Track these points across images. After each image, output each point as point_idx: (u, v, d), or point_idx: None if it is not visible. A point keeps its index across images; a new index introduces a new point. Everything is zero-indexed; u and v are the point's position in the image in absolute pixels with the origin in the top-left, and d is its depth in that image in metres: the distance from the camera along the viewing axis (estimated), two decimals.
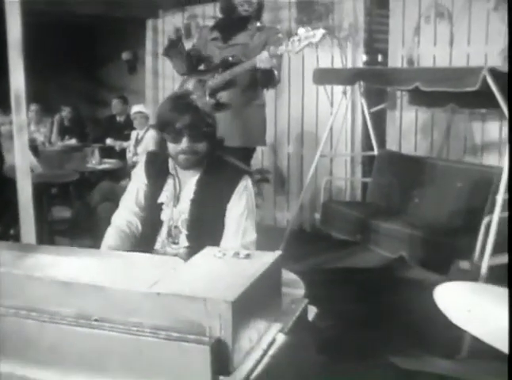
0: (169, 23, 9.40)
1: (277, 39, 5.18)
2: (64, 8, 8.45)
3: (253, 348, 1.77)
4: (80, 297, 1.75)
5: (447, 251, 5.20)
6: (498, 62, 6.74)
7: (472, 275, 4.88)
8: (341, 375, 3.74)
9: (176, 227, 3.22)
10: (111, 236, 3.30)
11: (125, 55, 10.76)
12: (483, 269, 4.84)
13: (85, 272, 1.90)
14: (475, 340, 4.26)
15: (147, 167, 3.36)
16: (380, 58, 8.03)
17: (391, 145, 7.78)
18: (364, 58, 7.94)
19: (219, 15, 5.57)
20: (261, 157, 7.97)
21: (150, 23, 9.79)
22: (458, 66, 6.90)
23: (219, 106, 5.00)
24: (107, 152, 8.70)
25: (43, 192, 6.59)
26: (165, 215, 3.24)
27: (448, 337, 4.63)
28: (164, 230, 3.27)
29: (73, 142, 9.71)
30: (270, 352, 1.81)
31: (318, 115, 8.08)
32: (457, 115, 7.32)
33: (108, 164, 8.21)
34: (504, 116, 5.26)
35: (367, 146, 7.66)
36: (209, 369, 1.58)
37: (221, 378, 1.62)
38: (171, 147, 3.15)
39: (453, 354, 4.56)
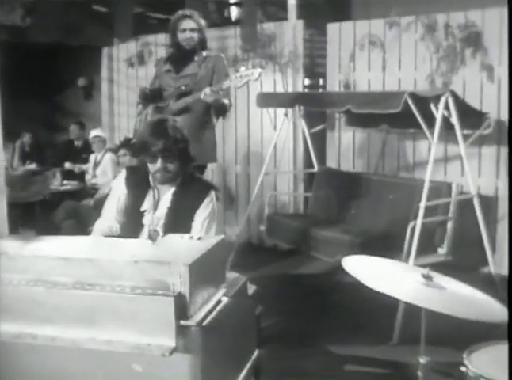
0: (123, 50, 9.91)
1: (223, 66, 5.86)
2: (23, 36, 8.76)
3: (204, 303, 2.39)
4: (75, 268, 2.36)
5: (378, 253, 5.84)
6: (426, 86, 7.46)
7: None
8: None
9: (155, 231, 3.81)
10: None
11: (81, 82, 11.13)
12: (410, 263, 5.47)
13: (79, 250, 2.51)
14: (405, 329, 4.92)
15: (127, 180, 3.97)
16: (320, 82, 8.67)
17: (331, 162, 8.39)
18: (304, 82, 8.54)
19: (170, 48, 6.18)
20: (211, 177, 8.43)
21: (105, 50, 10.19)
22: (384, 91, 7.62)
23: None
24: (67, 174, 9.13)
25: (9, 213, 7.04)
26: (146, 220, 3.85)
27: (381, 328, 5.32)
28: (145, 232, 3.87)
29: (33, 166, 10.10)
30: (217, 308, 2.43)
31: (262, 135, 8.66)
32: (391, 135, 7.94)
33: (70, 185, 8.72)
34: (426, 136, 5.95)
35: (308, 163, 8.26)
36: (173, 315, 2.20)
37: (181, 321, 2.22)
38: (149, 166, 3.80)
39: (386, 341, 5.22)
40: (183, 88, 5.73)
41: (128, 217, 3.94)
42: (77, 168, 9.14)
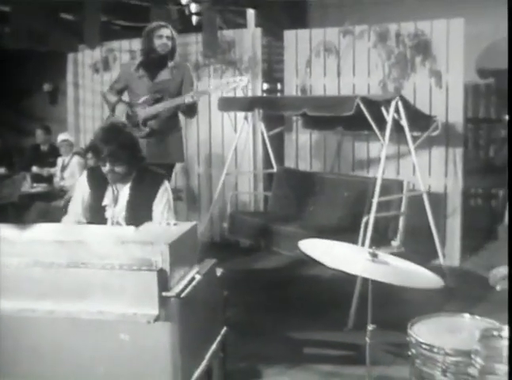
0: (88, 56, 10.16)
1: (190, 75, 6.29)
2: None
3: (181, 279, 2.78)
4: (69, 250, 2.72)
5: None
6: (379, 90, 7.91)
7: None
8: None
9: (118, 222, 4.18)
10: None
11: (46, 87, 11.41)
12: None
13: (71, 235, 2.88)
14: (358, 315, 5.30)
15: (89, 179, 4.34)
16: (278, 86, 9.09)
17: (289, 163, 8.81)
18: (263, 86, 8.95)
19: (140, 55, 6.50)
20: (174, 178, 8.65)
21: (71, 56, 10.44)
22: (338, 95, 8.05)
23: (151, 133, 6.03)
24: (37, 177, 9.31)
25: None
26: (108, 214, 4.21)
27: (338, 315, 5.73)
28: (108, 225, 4.22)
29: (2, 170, 10.24)
30: (192, 284, 2.81)
31: (223, 138, 9.03)
32: (346, 137, 8.40)
33: (40, 188, 8.95)
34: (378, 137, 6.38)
35: (267, 164, 8.66)
36: (156, 287, 2.58)
37: (163, 293, 2.60)
38: (102, 167, 4.14)
39: (342, 325, 5.64)
40: (158, 95, 6.08)
41: (92, 212, 4.30)
42: (45, 171, 9.34)
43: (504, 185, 9.07)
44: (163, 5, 9.11)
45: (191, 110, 6.14)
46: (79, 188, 4.39)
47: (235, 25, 9.34)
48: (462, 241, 7.78)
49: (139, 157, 4.25)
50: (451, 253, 7.64)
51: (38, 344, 2.76)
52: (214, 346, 3.26)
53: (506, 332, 2.56)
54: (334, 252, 3.40)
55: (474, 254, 8.05)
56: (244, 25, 8.94)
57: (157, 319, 2.57)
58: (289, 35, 8.72)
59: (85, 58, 10.26)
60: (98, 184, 4.28)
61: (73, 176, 8.81)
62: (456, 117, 7.68)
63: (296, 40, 8.65)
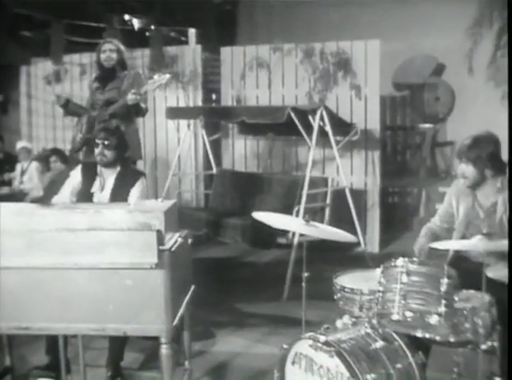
0: (41, 69, 10.94)
1: (141, 80, 7.03)
2: None
3: (170, 239, 3.81)
4: (88, 217, 3.71)
5: (269, 234, 7.32)
6: (305, 101, 9.05)
7: (287, 246, 7.18)
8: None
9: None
10: None
11: None
12: (295, 242, 7.04)
13: (90, 206, 3.89)
14: (293, 288, 6.34)
15: (82, 171, 5.29)
16: (215, 97, 10.14)
17: (227, 165, 9.90)
18: (203, 97, 10.02)
19: (96, 69, 7.29)
20: None
21: (23, 68, 11.12)
22: (271, 105, 9.16)
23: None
24: None
25: None
26: (95, 199, 5.16)
27: (274, 287, 6.87)
28: None
29: None
30: (177, 243, 3.84)
31: (168, 143, 10.09)
32: (277, 142, 9.53)
33: (4, 190, 9.53)
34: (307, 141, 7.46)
35: (207, 166, 9.81)
36: (155, 242, 3.59)
37: (160, 247, 3.60)
38: (95, 151, 5.14)
39: (278, 297, 6.77)
40: (109, 99, 6.80)
41: (83, 197, 5.20)
42: (6, 176, 9.84)
43: (417, 184, 10.30)
44: (111, 23, 10.08)
45: (137, 109, 6.81)
46: (73, 177, 5.30)
47: (178, 42, 10.35)
48: (381, 231, 8.96)
49: (124, 146, 5.24)
50: (371, 241, 8.81)
51: (64, 290, 3.72)
52: (188, 296, 4.28)
53: (400, 261, 3.63)
54: (279, 219, 4.47)
55: (392, 243, 9.23)
56: (186, 42, 9.97)
57: (156, 266, 3.57)
58: (225, 51, 9.80)
59: (38, 70, 11.01)
60: (89, 175, 5.24)
61: (31, 180, 9.47)
62: (374, 124, 8.85)
63: (231, 56, 9.72)
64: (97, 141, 5.11)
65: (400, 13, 10.46)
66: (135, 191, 5.10)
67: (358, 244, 7.89)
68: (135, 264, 3.59)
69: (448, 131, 11.41)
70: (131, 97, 6.52)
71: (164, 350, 3.75)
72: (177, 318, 3.89)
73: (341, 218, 7.88)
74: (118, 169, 5.18)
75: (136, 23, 10.97)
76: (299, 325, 4.47)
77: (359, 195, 8.72)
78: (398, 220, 10.12)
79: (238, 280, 7.55)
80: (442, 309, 3.49)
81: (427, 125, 11.21)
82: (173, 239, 3.86)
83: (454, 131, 10.92)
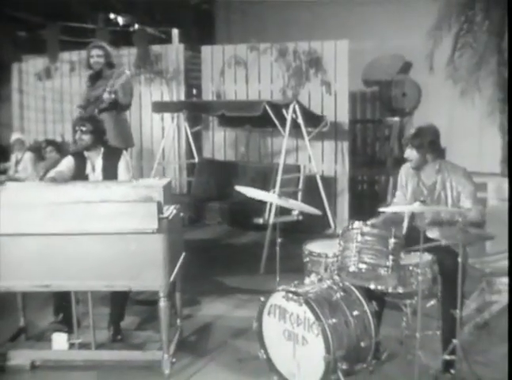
0: (32, 65, 11.55)
1: (128, 80, 7.40)
2: None
3: (167, 210, 4.59)
4: (99, 191, 4.47)
5: (247, 214, 8.09)
6: (280, 96, 9.79)
7: (264, 226, 7.88)
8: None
9: None
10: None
11: None
12: (270, 222, 7.75)
13: (98, 182, 4.66)
14: (268, 264, 7.07)
15: (74, 157, 5.83)
16: (197, 92, 10.81)
17: (207, 154, 10.66)
18: (185, 92, 10.72)
19: (78, 63, 7.84)
20: None
21: (15, 65, 11.69)
22: (248, 99, 9.87)
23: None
24: None
25: None
26: (91, 179, 5.71)
27: (251, 263, 7.64)
28: None
29: None
30: (173, 213, 4.62)
31: (153, 135, 10.80)
32: (253, 133, 10.27)
33: (1, 179, 9.75)
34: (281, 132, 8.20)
35: (189, 155, 10.56)
36: (156, 211, 4.37)
37: (160, 215, 4.37)
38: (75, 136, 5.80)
39: (255, 272, 7.52)
40: (97, 95, 7.28)
41: (79, 180, 5.87)
42: (1, 166, 10.38)
43: (385, 173, 10.96)
44: (98, 23, 10.73)
45: (118, 105, 7.29)
46: (66, 161, 5.74)
47: (162, 41, 11.12)
48: (350, 215, 9.59)
49: (99, 131, 5.74)
50: (341, 224, 9.37)
51: (79, 253, 4.47)
52: (180, 261, 5.07)
53: (356, 224, 4.43)
54: (257, 193, 5.18)
55: None
56: (169, 41, 10.69)
57: (156, 231, 4.34)
58: (206, 50, 10.53)
59: (29, 67, 11.63)
60: (80, 161, 5.83)
61: (25, 170, 9.96)
62: (343, 118, 9.60)
63: (211, 54, 10.44)
64: (76, 128, 5.69)
65: (369, 14, 11.11)
66: (121, 164, 5.66)
67: (329, 226, 8.61)
68: (139, 230, 4.36)
69: (415, 124, 11.54)
70: (106, 96, 7.11)
71: (162, 302, 4.57)
72: (173, 276, 4.68)
73: (312, 202, 8.17)
74: (102, 150, 5.74)
75: (121, 20, 11.63)
76: None
77: (329, 182, 9.44)
78: (367, 206, 10.75)
79: (219, 258, 8.25)
80: (390, 263, 4.29)
81: (395, 118, 11.62)
82: (170, 210, 4.66)
83: (419, 124, 11.39)
